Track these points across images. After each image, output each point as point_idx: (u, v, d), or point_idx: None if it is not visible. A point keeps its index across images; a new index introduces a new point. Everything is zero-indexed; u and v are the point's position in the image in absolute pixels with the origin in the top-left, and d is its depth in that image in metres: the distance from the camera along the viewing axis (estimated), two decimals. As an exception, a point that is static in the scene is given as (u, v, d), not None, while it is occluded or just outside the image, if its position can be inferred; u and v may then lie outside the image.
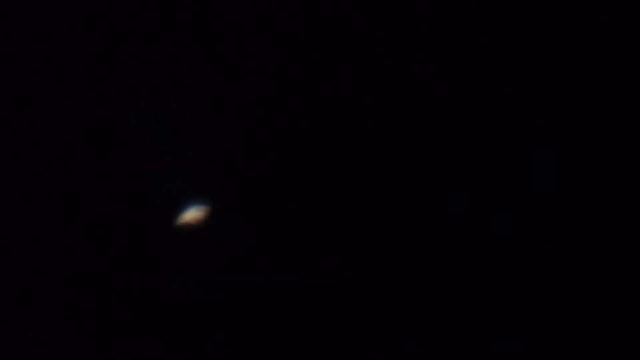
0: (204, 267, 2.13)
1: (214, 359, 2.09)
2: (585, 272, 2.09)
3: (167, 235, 2.13)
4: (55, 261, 2.12)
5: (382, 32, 2.17)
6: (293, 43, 2.17)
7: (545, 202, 2.12)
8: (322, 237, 2.13)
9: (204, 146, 2.15)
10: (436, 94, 2.16)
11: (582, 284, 2.08)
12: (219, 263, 2.13)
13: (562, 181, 2.12)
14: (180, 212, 2.13)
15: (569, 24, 2.14)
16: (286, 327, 2.10)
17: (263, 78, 2.17)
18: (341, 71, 2.17)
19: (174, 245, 2.12)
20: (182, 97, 2.16)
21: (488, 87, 2.14)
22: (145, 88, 2.16)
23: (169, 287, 2.12)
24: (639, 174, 2.10)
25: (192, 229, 2.12)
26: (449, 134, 2.15)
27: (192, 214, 2.11)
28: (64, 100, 2.15)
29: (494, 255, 2.11)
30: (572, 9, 2.13)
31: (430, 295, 2.11)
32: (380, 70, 2.17)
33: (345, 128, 2.16)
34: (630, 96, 2.12)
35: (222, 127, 2.16)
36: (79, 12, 2.17)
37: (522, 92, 2.14)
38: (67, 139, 2.15)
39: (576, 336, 2.06)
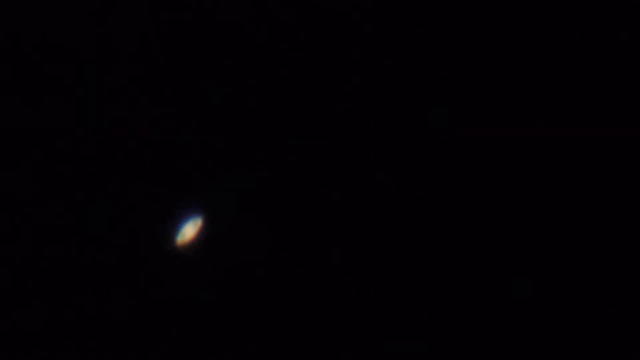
0: (203, 282, 2.13)
1: None
2: (585, 273, 2.09)
3: (163, 252, 2.12)
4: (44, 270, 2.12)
5: (382, 33, 2.17)
6: (293, 44, 2.17)
7: (544, 202, 2.12)
8: (323, 243, 2.13)
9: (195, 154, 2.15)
10: (435, 94, 2.16)
11: (582, 285, 2.08)
12: (219, 277, 2.13)
13: (561, 182, 2.12)
14: (177, 228, 2.11)
15: (569, 25, 2.14)
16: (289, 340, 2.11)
17: (260, 81, 2.17)
18: (341, 72, 2.17)
19: (172, 261, 2.12)
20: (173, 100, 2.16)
21: (488, 87, 2.15)
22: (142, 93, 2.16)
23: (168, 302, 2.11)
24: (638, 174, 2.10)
25: (190, 246, 2.11)
26: (448, 134, 2.15)
27: (189, 230, 2.10)
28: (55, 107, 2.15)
29: (493, 255, 2.11)
30: (572, 10, 2.14)
31: (431, 296, 2.11)
32: (381, 70, 2.17)
33: (345, 130, 2.16)
34: (630, 96, 2.12)
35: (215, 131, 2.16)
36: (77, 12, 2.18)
37: (522, 93, 2.14)
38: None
39: (576, 336, 2.06)
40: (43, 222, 2.12)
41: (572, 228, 2.10)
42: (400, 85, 2.16)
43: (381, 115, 2.16)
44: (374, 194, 2.15)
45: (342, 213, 2.15)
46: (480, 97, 2.14)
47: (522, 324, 2.07)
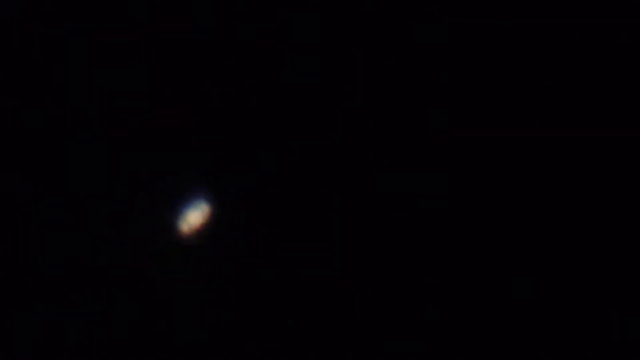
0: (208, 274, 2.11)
1: None
2: (585, 273, 2.09)
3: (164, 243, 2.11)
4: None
5: (382, 33, 2.17)
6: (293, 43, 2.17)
7: (544, 202, 2.12)
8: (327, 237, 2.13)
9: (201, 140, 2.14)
10: (435, 94, 2.16)
11: (582, 285, 2.08)
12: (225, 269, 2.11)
13: (561, 182, 2.12)
14: (179, 214, 2.09)
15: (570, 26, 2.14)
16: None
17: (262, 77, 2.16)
18: (341, 72, 2.17)
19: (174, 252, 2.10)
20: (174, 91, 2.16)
21: (488, 87, 2.15)
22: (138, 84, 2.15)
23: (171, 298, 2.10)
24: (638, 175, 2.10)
25: (194, 234, 2.09)
26: (448, 134, 2.15)
27: (193, 216, 2.08)
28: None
29: (493, 255, 2.11)
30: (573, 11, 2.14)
31: (430, 296, 2.11)
32: (381, 70, 2.17)
33: (345, 130, 2.16)
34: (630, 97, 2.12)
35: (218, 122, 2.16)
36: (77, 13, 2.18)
37: (522, 93, 2.14)
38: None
39: (576, 336, 2.06)
40: (30, 210, 2.12)
41: (572, 228, 2.10)
42: (400, 85, 2.16)
43: (381, 115, 2.16)
44: (374, 194, 2.14)
45: (342, 213, 2.15)
46: (480, 97, 2.14)
47: (522, 324, 2.07)
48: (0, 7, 2.17)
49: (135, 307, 2.10)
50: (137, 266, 2.12)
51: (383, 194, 2.14)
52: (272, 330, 2.11)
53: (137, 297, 2.11)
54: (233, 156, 2.16)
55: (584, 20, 2.13)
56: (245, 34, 2.17)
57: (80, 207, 2.13)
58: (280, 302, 2.12)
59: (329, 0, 2.16)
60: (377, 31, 2.17)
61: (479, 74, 2.15)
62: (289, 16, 2.17)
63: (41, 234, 2.12)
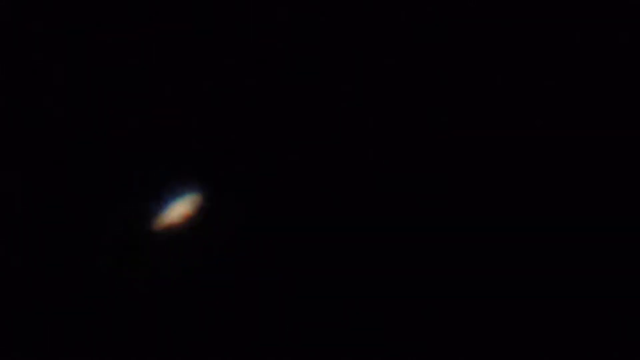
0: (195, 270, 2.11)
1: None
2: (585, 273, 2.09)
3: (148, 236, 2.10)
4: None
5: (382, 33, 2.17)
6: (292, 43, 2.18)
7: (545, 203, 2.12)
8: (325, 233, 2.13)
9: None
10: (436, 94, 2.16)
11: (582, 285, 2.08)
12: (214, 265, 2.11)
13: (562, 182, 2.12)
14: (162, 208, 2.06)
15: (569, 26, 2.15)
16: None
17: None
18: (341, 72, 2.18)
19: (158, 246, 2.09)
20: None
21: (488, 87, 2.15)
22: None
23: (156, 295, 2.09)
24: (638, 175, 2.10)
25: (179, 228, 2.07)
26: (448, 134, 2.15)
27: (178, 209, 2.05)
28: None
29: (493, 256, 2.11)
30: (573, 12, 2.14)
31: (429, 296, 2.11)
32: (381, 70, 2.17)
33: (345, 130, 2.16)
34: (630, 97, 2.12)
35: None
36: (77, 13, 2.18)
37: (522, 93, 2.15)
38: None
39: (576, 336, 2.06)
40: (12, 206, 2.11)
41: (572, 228, 2.10)
42: (400, 85, 2.16)
43: (381, 116, 2.16)
44: (374, 195, 2.15)
45: (341, 214, 2.15)
46: (480, 97, 2.15)
47: (522, 324, 2.08)
48: (0, 7, 2.17)
49: (127, 304, 2.10)
50: (135, 265, 2.12)
51: (383, 194, 2.14)
52: (266, 330, 2.11)
53: (131, 294, 2.11)
54: (233, 156, 2.16)
55: (584, 21, 2.13)
56: (245, 34, 2.18)
57: (79, 207, 2.13)
58: (278, 301, 2.12)
59: (329, 0, 2.16)
60: (377, 31, 2.17)
61: (479, 74, 2.15)
62: (289, 16, 2.17)
63: (38, 233, 2.12)
